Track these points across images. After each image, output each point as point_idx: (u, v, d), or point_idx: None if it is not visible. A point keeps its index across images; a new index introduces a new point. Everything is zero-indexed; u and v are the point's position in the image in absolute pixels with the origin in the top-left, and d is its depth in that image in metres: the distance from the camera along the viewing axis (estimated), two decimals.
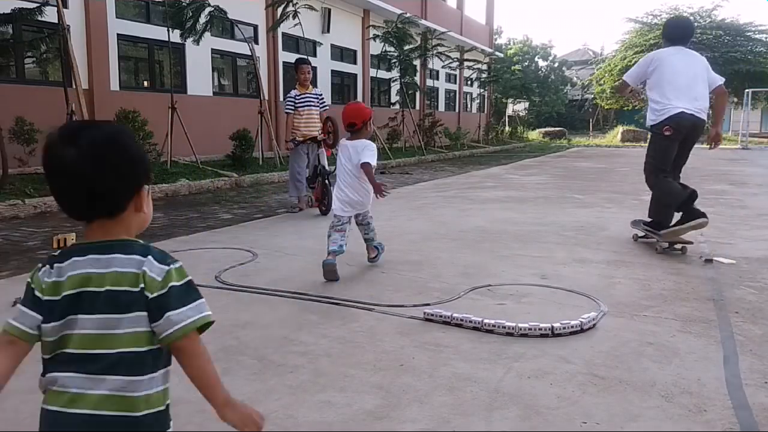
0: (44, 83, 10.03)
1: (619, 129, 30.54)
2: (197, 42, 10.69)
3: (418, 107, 21.66)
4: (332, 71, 17.70)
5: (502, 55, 35.07)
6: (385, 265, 4.15)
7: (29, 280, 1.18)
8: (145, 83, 12.22)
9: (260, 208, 7.50)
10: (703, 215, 4.48)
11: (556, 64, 40.70)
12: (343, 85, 18.69)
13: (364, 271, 4.05)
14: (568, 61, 42.88)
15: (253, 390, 2.23)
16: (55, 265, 1.15)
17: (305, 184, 7.01)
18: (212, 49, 13.07)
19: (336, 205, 4.01)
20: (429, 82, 23.05)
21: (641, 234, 5.01)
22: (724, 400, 2.17)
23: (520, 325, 2.79)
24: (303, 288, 3.59)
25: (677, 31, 4.94)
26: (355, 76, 19.08)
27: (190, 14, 10.27)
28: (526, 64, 38.92)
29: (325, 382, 2.30)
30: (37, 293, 1.15)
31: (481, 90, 28.34)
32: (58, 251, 1.20)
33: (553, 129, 35.42)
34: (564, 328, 2.80)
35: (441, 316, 2.95)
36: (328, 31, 17.05)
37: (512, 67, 36.82)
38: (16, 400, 2.16)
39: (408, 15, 17.41)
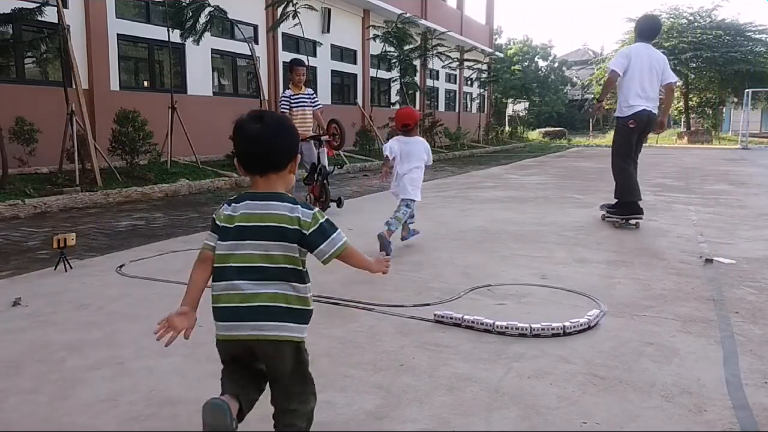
0: (44, 83, 10.03)
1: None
2: (197, 42, 10.69)
3: (418, 107, 21.65)
4: (332, 71, 17.70)
5: (502, 55, 35.07)
6: None
7: (214, 216, 1.75)
8: (145, 83, 12.22)
9: None
10: (641, 213, 5.61)
11: (556, 64, 40.72)
12: (343, 85, 18.68)
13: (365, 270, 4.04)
14: (568, 61, 42.90)
15: None
16: (232, 204, 1.71)
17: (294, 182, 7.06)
18: (212, 49, 13.07)
19: (392, 188, 4.81)
20: (429, 82, 23.04)
21: (618, 219, 5.82)
22: (724, 400, 2.17)
23: (533, 325, 2.79)
24: None
25: (647, 30, 5.75)
26: (355, 76, 19.08)
27: (190, 14, 10.27)
28: (526, 64, 38.93)
29: (325, 382, 2.30)
30: (217, 222, 1.72)
31: (481, 90, 28.34)
32: (236, 195, 1.74)
33: (553, 129, 35.44)
34: (574, 326, 2.82)
35: (452, 318, 2.92)
36: (328, 31, 17.04)
37: (512, 67, 36.84)
38: (16, 400, 2.16)
39: (408, 15, 17.41)
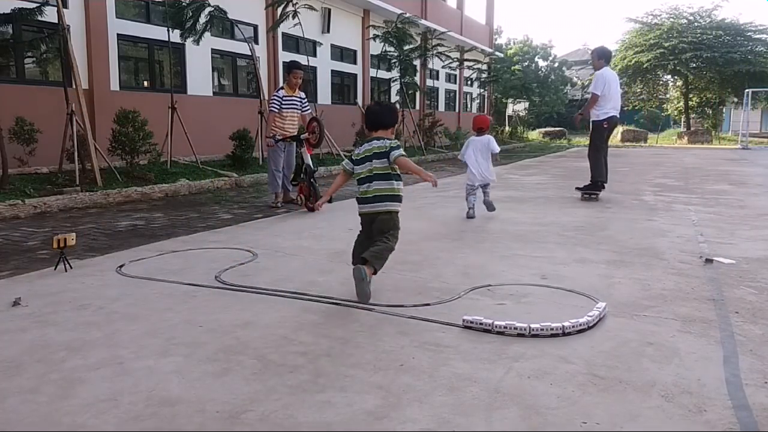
0: (44, 83, 10.02)
1: (619, 129, 30.48)
2: (197, 42, 10.68)
3: (418, 107, 21.64)
4: (332, 71, 17.69)
5: (502, 55, 35.01)
6: (385, 265, 4.15)
7: (353, 151, 3.59)
8: (145, 83, 12.21)
9: (260, 208, 7.50)
10: (599, 191, 7.89)
11: (556, 64, 40.59)
12: (343, 85, 18.67)
13: None
14: (568, 61, 42.77)
15: (253, 390, 2.23)
16: (360, 146, 3.52)
17: (281, 182, 7.29)
18: (212, 49, 13.06)
19: (469, 177, 6.39)
20: (429, 82, 23.03)
21: (584, 194, 7.92)
22: (724, 400, 2.17)
23: (564, 323, 2.83)
24: (303, 288, 3.59)
25: (608, 56, 8.05)
26: (355, 76, 19.07)
27: (190, 14, 10.26)
28: (526, 64, 38.82)
29: (325, 382, 2.30)
30: (353, 157, 3.53)
31: (481, 90, 28.33)
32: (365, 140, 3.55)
33: (553, 129, 35.37)
34: (593, 319, 2.92)
35: (482, 324, 2.87)
36: (328, 31, 17.03)
37: (512, 67, 36.76)
38: (16, 400, 2.16)
39: (408, 15, 17.39)
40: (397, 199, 3.45)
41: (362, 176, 3.43)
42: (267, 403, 2.14)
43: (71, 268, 4.03)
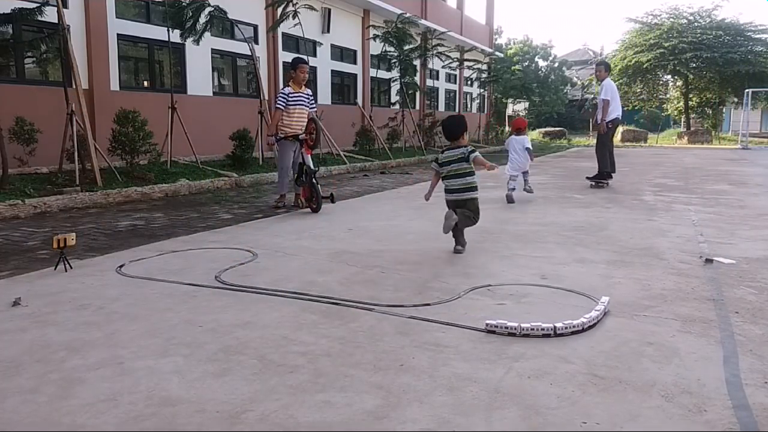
0: (44, 83, 10.02)
1: (620, 129, 30.45)
2: (197, 42, 10.68)
3: (418, 107, 21.64)
4: (332, 71, 17.69)
5: (502, 55, 35.00)
6: (384, 265, 4.16)
7: (436, 157, 4.79)
8: (145, 83, 12.21)
9: (260, 208, 7.50)
10: (607, 179, 9.55)
11: (556, 64, 40.58)
12: (343, 85, 18.66)
13: (364, 270, 4.05)
14: (568, 61, 42.77)
15: (253, 390, 2.23)
16: (443, 152, 4.72)
17: (288, 182, 7.21)
18: (212, 49, 13.06)
19: (510, 168, 7.75)
20: (429, 82, 23.02)
21: (592, 182, 9.50)
22: (724, 400, 2.17)
23: (583, 319, 2.87)
24: (303, 288, 3.59)
25: (610, 67, 9.97)
26: (355, 76, 19.07)
27: (190, 14, 10.26)
28: (526, 64, 38.84)
29: (325, 382, 2.30)
30: (439, 159, 4.71)
31: (481, 90, 28.31)
32: (444, 147, 4.83)
33: (553, 129, 35.35)
34: (600, 314, 3.02)
35: (506, 328, 2.84)
36: (328, 31, 17.03)
37: (512, 67, 36.77)
38: (16, 400, 2.16)
39: (408, 15, 17.39)
40: (477, 188, 4.61)
41: (449, 174, 4.55)
42: (267, 403, 2.14)
43: (71, 268, 4.03)
